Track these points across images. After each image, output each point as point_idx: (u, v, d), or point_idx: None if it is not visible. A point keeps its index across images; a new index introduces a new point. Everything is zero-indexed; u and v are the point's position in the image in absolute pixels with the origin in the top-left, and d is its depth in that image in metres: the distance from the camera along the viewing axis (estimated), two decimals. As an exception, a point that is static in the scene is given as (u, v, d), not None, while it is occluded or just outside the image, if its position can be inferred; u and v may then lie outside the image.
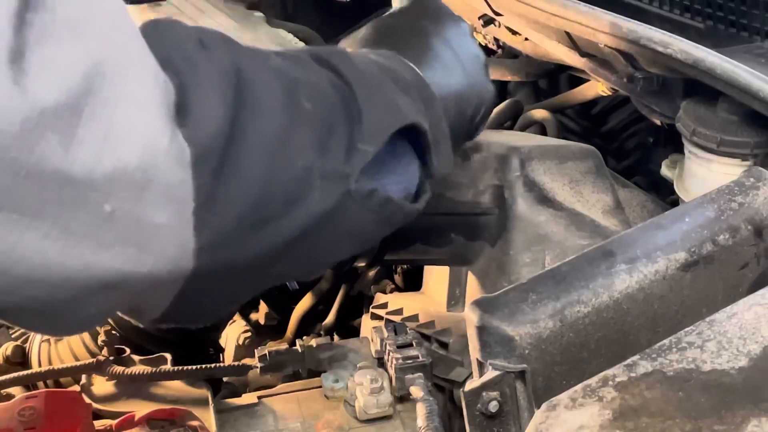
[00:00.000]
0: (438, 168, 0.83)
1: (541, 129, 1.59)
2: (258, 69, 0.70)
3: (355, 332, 1.53)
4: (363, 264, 1.19)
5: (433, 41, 0.94)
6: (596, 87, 1.49)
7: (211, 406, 1.10)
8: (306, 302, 1.66)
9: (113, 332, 1.23)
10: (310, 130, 0.71)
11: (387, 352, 1.12)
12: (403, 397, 1.10)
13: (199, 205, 0.64)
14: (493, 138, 1.21)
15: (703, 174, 1.16)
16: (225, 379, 1.32)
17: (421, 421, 0.99)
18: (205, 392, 1.13)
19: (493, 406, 0.74)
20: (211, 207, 0.65)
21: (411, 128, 0.78)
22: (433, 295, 1.33)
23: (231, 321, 1.56)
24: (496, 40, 1.59)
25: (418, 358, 1.10)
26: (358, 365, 1.14)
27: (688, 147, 1.18)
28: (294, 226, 0.70)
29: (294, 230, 0.70)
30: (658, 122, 1.33)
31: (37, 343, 1.41)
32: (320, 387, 1.14)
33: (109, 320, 1.31)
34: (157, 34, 0.66)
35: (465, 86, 0.95)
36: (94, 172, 0.59)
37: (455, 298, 1.29)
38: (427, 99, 0.83)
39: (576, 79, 1.61)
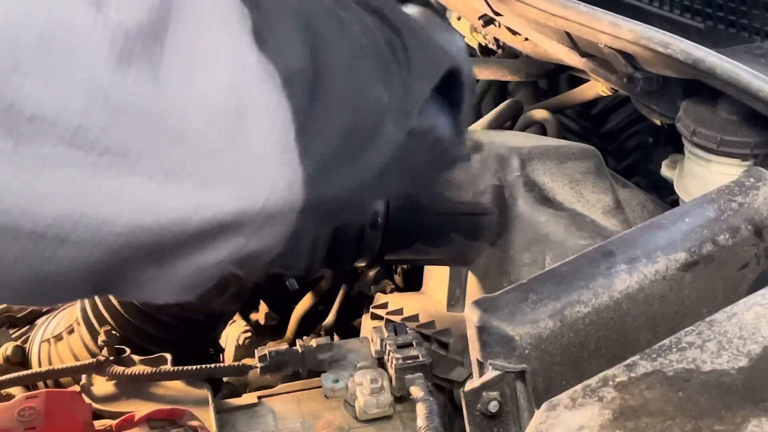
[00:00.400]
0: (465, 121, 0.81)
1: (541, 129, 1.59)
2: (316, 8, 0.68)
3: (355, 332, 1.53)
4: (363, 264, 1.19)
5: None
6: (596, 87, 1.49)
7: (211, 406, 1.10)
8: (306, 302, 1.66)
9: (113, 332, 1.23)
10: (372, 62, 0.69)
11: (387, 352, 1.12)
12: (403, 397, 1.10)
13: (299, 130, 0.61)
14: (493, 138, 1.21)
15: (703, 174, 1.17)
16: (225, 379, 1.33)
17: (421, 421, 0.99)
18: (205, 392, 1.13)
19: (493, 406, 0.74)
20: (311, 132, 0.62)
21: (450, 79, 0.77)
22: (433, 295, 1.33)
23: (231, 321, 1.56)
24: (496, 40, 1.59)
25: (418, 358, 1.10)
26: (358, 365, 1.14)
27: (688, 147, 1.18)
28: (376, 161, 0.68)
29: (377, 166, 0.68)
30: (658, 122, 1.33)
31: (37, 343, 1.41)
32: (320, 387, 1.14)
33: (109, 320, 1.32)
34: None
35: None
36: (188, 101, 0.56)
37: (455, 298, 1.29)
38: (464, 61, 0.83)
39: (576, 79, 1.61)
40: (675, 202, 1.28)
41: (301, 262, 0.74)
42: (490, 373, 0.74)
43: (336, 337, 1.57)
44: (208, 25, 0.58)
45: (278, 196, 0.62)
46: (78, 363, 1.21)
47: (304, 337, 1.47)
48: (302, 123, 0.62)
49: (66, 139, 0.53)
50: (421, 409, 1.01)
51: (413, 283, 1.47)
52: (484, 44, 1.65)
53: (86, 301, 1.35)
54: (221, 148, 0.58)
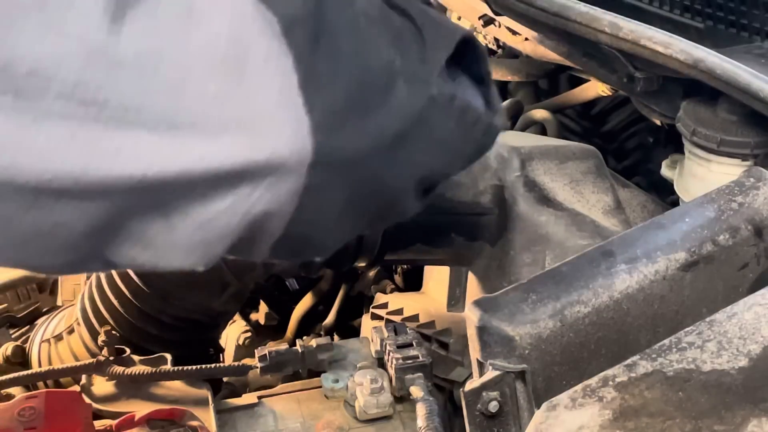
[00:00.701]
0: (494, 100, 0.78)
1: (541, 129, 1.60)
2: None
3: (355, 332, 1.53)
4: (363, 264, 1.19)
5: None
6: (596, 87, 1.49)
7: (211, 406, 1.10)
8: (306, 302, 1.66)
9: (113, 332, 1.23)
10: (383, 29, 0.68)
11: (387, 352, 1.12)
12: (403, 397, 1.10)
13: (302, 79, 0.60)
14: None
15: (703, 174, 1.17)
16: (225, 379, 1.33)
17: (421, 421, 0.99)
18: (205, 392, 1.13)
19: (493, 406, 0.74)
20: (315, 82, 0.61)
21: (468, 54, 0.75)
22: (433, 295, 1.33)
23: (231, 321, 1.56)
24: (496, 40, 1.59)
25: (418, 358, 1.10)
26: (358, 365, 1.14)
27: (688, 147, 1.18)
28: (392, 122, 0.67)
29: (393, 126, 0.67)
30: (658, 122, 1.33)
31: (37, 343, 1.41)
32: (320, 387, 1.14)
33: (109, 320, 1.32)
34: None
35: None
36: (187, 51, 0.56)
37: (455, 298, 1.29)
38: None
39: (576, 79, 1.61)
40: (675, 202, 1.28)
41: (319, 230, 0.71)
42: (490, 373, 0.74)
43: (336, 337, 1.57)
44: None
45: (285, 145, 0.61)
46: (78, 363, 1.21)
47: (304, 337, 1.47)
48: (305, 71, 0.61)
49: (65, 93, 0.53)
50: (421, 409, 1.01)
51: (413, 283, 1.47)
52: (484, 44, 1.65)
53: (86, 301, 1.35)
54: (222, 98, 0.58)
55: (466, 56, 0.75)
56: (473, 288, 1.22)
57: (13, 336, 1.50)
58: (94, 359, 1.17)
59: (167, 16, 0.56)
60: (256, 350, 1.18)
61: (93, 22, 0.53)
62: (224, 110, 0.58)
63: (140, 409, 1.08)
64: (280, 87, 0.60)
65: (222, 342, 1.52)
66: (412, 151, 0.70)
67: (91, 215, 0.57)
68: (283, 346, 1.20)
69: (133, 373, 1.15)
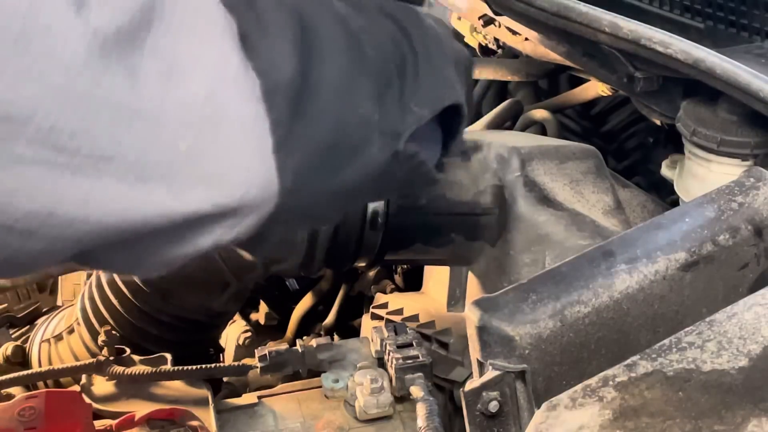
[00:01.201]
0: (454, 151, 0.81)
1: (541, 129, 1.60)
2: (320, 12, 0.68)
3: (355, 332, 1.53)
4: (363, 264, 1.19)
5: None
6: (596, 87, 1.49)
7: (211, 406, 1.10)
8: (306, 302, 1.66)
9: (113, 332, 1.23)
10: (369, 80, 0.69)
11: (387, 352, 1.12)
12: (403, 397, 1.10)
13: (278, 144, 0.62)
14: (493, 138, 1.21)
15: (703, 174, 1.17)
16: (225, 379, 1.33)
17: (421, 421, 0.99)
18: (205, 392, 1.13)
19: (493, 406, 0.74)
20: (290, 147, 0.63)
21: (452, 109, 0.77)
22: (433, 295, 1.33)
23: (231, 321, 1.56)
24: (496, 40, 1.59)
25: (418, 358, 1.10)
26: (358, 365, 1.14)
27: (688, 147, 1.18)
28: (355, 177, 0.69)
29: (354, 182, 0.69)
30: (658, 122, 1.33)
31: (37, 343, 1.41)
32: (320, 387, 1.14)
33: (109, 320, 1.32)
34: None
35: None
36: (163, 107, 0.57)
37: (455, 298, 1.29)
38: (467, 81, 0.82)
39: (576, 79, 1.61)
40: (675, 202, 1.28)
41: (260, 251, 0.76)
42: (490, 373, 0.74)
43: (336, 337, 1.57)
44: (189, 33, 0.59)
45: (249, 205, 0.62)
46: (78, 363, 1.21)
47: (304, 337, 1.48)
48: (282, 136, 0.62)
49: (38, 139, 0.53)
50: (421, 409, 1.01)
51: (413, 283, 1.47)
52: (484, 44, 1.65)
53: (86, 301, 1.35)
54: (195, 155, 0.59)
55: (451, 111, 0.76)
56: (473, 288, 1.22)
57: (13, 336, 1.50)
58: (94, 359, 1.17)
59: (148, 72, 0.56)
60: (256, 350, 1.18)
61: (73, 71, 0.54)
62: (194, 167, 0.59)
63: (140, 409, 1.08)
64: (253, 149, 0.61)
65: (222, 342, 1.52)
66: (365, 195, 0.75)
67: (58, 252, 0.59)
68: (283, 346, 1.20)
69: (133, 373, 1.15)
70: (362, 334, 1.37)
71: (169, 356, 1.19)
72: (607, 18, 1.14)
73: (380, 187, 0.74)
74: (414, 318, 1.26)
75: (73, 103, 0.54)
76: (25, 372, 1.22)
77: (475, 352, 0.76)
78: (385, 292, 1.47)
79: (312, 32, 0.66)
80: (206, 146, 0.59)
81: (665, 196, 1.40)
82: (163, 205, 0.59)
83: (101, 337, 1.20)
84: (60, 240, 0.57)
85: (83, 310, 1.36)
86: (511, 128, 1.61)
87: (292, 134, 0.63)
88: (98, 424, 1.07)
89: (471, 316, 0.76)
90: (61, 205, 0.56)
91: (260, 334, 1.63)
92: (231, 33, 0.61)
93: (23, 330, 1.53)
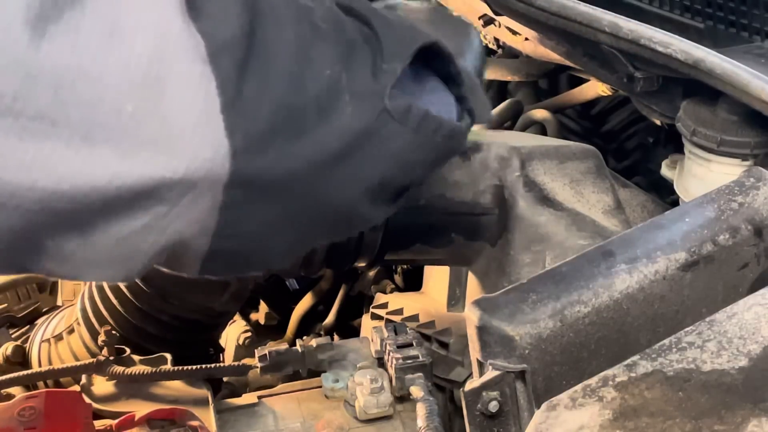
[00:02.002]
0: (475, 105, 0.78)
1: (541, 129, 1.60)
2: None
3: (355, 332, 1.53)
4: (363, 264, 1.19)
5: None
6: (596, 87, 1.49)
7: (211, 406, 1.10)
8: (306, 302, 1.66)
9: (113, 332, 1.23)
10: (329, 45, 0.68)
11: (387, 352, 1.12)
12: (403, 397, 1.10)
13: (226, 103, 0.61)
14: (493, 138, 1.21)
15: (703, 174, 1.17)
16: (225, 379, 1.33)
17: (421, 421, 0.99)
18: (205, 392, 1.13)
19: (493, 406, 0.74)
20: (239, 106, 0.61)
21: (437, 57, 0.75)
22: (433, 295, 1.33)
23: (231, 321, 1.56)
24: (496, 40, 1.59)
25: (418, 358, 1.10)
26: (358, 365, 1.14)
27: (688, 147, 1.18)
28: (330, 140, 0.67)
29: (331, 146, 0.67)
30: (658, 122, 1.33)
31: (37, 343, 1.41)
32: (320, 387, 1.14)
33: (109, 320, 1.32)
34: None
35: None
36: (106, 68, 0.56)
37: (455, 298, 1.29)
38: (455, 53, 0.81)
39: (576, 79, 1.61)
40: (675, 202, 1.28)
41: (249, 247, 0.71)
42: (490, 373, 0.74)
43: (336, 337, 1.57)
44: None
45: (199, 167, 0.61)
46: (78, 363, 1.21)
47: (304, 337, 1.47)
48: (230, 96, 0.61)
49: None
50: (421, 409, 1.01)
51: (413, 283, 1.47)
52: (484, 44, 1.65)
53: (86, 301, 1.35)
54: (140, 117, 0.58)
55: (435, 59, 0.75)
56: (473, 288, 1.22)
57: (13, 336, 1.50)
58: (94, 359, 1.17)
59: (89, 33, 0.56)
60: (256, 350, 1.18)
61: (12, 34, 0.53)
62: (140, 129, 0.58)
63: (140, 409, 1.08)
64: (200, 110, 0.60)
65: (222, 342, 1.52)
66: (359, 165, 0.70)
67: (4, 225, 0.57)
68: (283, 346, 1.20)
69: (133, 373, 1.15)
70: (362, 334, 1.37)
71: (169, 356, 1.19)
72: (607, 18, 1.14)
73: (388, 154, 0.71)
74: (414, 318, 1.26)
75: (13, 66, 0.53)
76: (25, 372, 1.22)
77: (475, 352, 0.76)
78: (385, 292, 1.47)
79: (261, 1, 0.64)
80: (152, 107, 0.58)
81: (665, 196, 1.40)
82: (111, 168, 0.58)
83: (101, 337, 1.20)
84: (8, 210, 0.56)
85: (83, 310, 1.36)
86: (511, 128, 1.61)
87: (242, 93, 0.62)
88: (98, 424, 1.07)
89: (471, 316, 0.76)
90: (7, 170, 0.55)
91: (260, 334, 1.63)
92: None
93: (23, 330, 1.53)
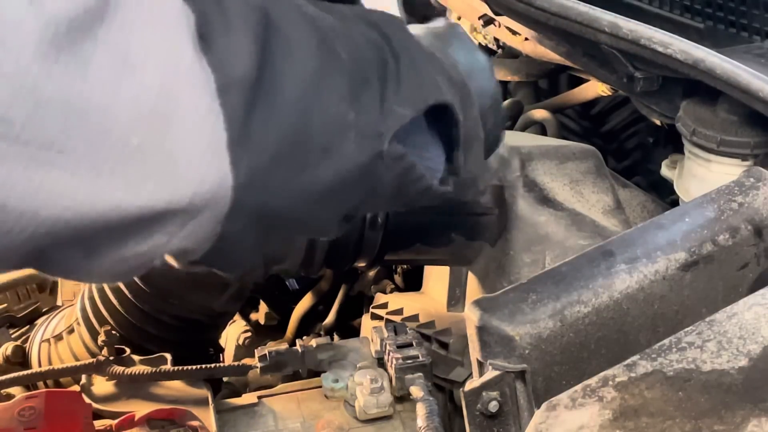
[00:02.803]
0: (466, 166, 0.80)
1: (541, 129, 1.60)
2: (286, 12, 0.68)
3: (355, 332, 1.53)
4: (363, 264, 1.19)
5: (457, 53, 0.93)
6: (596, 87, 1.49)
7: (211, 406, 1.10)
8: (306, 302, 1.66)
9: (113, 332, 1.23)
10: (342, 79, 0.69)
11: (387, 352, 1.12)
12: (403, 397, 1.10)
13: (232, 138, 0.61)
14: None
15: (703, 174, 1.17)
16: (225, 379, 1.33)
17: (421, 421, 0.99)
18: (205, 392, 1.13)
19: (493, 406, 0.74)
20: (245, 142, 0.62)
21: (444, 117, 0.76)
22: (433, 295, 1.33)
23: (231, 321, 1.56)
24: (496, 40, 1.59)
25: (418, 358, 1.10)
26: (358, 365, 1.14)
27: (688, 147, 1.18)
28: (329, 176, 0.68)
29: (329, 181, 0.68)
30: (658, 122, 1.33)
31: (37, 343, 1.41)
32: (320, 387, 1.14)
33: (109, 320, 1.32)
34: None
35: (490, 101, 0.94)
36: (115, 100, 0.56)
37: (455, 298, 1.29)
38: (468, 99, 0.82)
39: (576, 79, 1.61)
40: (675, 202, 1.28)
41: (237, 265, 0.75)
42: (490, 373, 0.74)
43: (336, 337, 1.57)
44: (143, 25, 0.58)
45: (202, 199, 0.62)
46: (78, 363, 1.21)
47: (304, 337, 1.47)
48: (237, 131, 0.62)
49: None
50: (421, 409, 1.01)
51: (413, 283, 1.47)
52: (484, 44, 1.65)
53: (86, 301, 1.35)
54: (146, 149, 0.58)
55: (442, 116, 0.76)
56: (473, 288, 1.22)
57: (13, 336, 1.50)
58: (94, 359, 1.17)
59: (100, 64, 0.56)
60: (256, 350, 1.18)
61: (24, 60, 0.53)
62: (146, 161, 0.59)
63: (140, 409, 1.08)
64: (207, 144, 0.61)
65: (222, 342, 1.52)
66: (345, 197, 0.72)
67: (10, 246, 0.58)
68: (283, 346, 1.20)
69: (133, 373, 1.15)
70: (362, 334, 1.37)
71: (169, 356, 1.19)
72: (607, 18, 1.14)
73: (365, 190, 0.74)
74: (414, 318, 1.26)
75: (24, 94, 0.53)
76: (25, 372, 1.22)
77: (475, 352, 0.76)
78: (385, 292, 1.47)
79: (276, 29, 0.65)
80: (159, 140, 0.59)
81: (665, 196, 1.40)
82: (115, 199, 0.58)
83: (101, 337, 1.20)
84: (12, 235, 0.57)
85: (83, 310, 1.36)
86: (511, 128, 1.61)
87: (249, 129, 0.62)
88: (98, 424, 1.07)
89: (471, 316, 0.76)
90: (13, 197, 0.55)
91: (260, 334, 1.63)
92: (187, 26, 0.60)
93: (23, 330, 1.53)
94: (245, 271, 0.79)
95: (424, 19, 0.99)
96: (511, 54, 1.64)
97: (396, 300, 1.33)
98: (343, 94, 0.68)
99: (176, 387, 1.15)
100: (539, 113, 1.60)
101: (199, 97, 0.60)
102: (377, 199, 0.78)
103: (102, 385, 1.16)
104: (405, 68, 0.73)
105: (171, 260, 0.71)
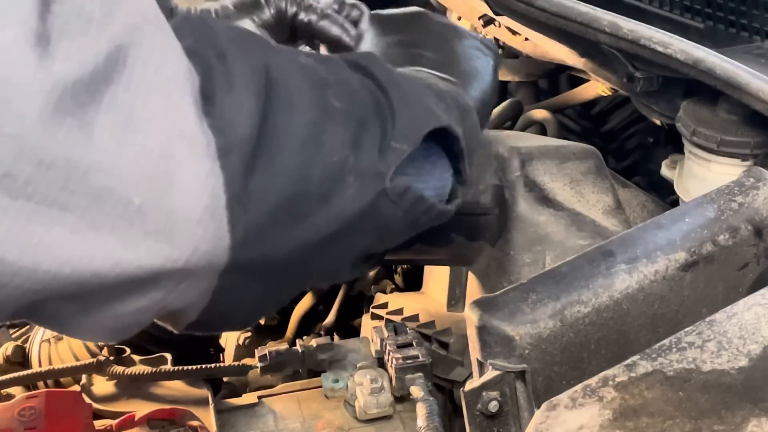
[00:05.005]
0: (471, 175, 0.82)
1: (541, 129, 1.59)
2: (287, 66, 0.69)
3: (355, 332, 1.53)
4: (363, 264, 1.19)
5: (455, 48, 0.93)
6: (596, 87, 1.49)
7: (211, 406, 1.10)
8: (306, 302, 1.66)
9: (113, 332, 1.23)
10: (341, 127, 0.69)
11: (387, 352, 1.12)
12: (403, 397, 1.10)
13: (231, 198, 0.62)
14: (493, 138, 1.21)
15: (703, 174, 1.17)
16: (225, 379, 1.33)
17: (421, 421, 0.99)
18: (205, 392, 1.13)
19: (493, 406, 0.74)
20: (244, 202, 0.63)
21: (444, 133, 0.77)
22: (433, 295, 1.33)
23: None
24: (496, 40, 1.58)
25: (418, 358, 1.10)
26: (358, 365, 1.14)
27: (688, 147, 1.18)
28: (328, 223, 0.69)
29: (329, 227, 0.69)
30: (658, 122, 1.33)
31: (37, 343, 1.41)
32: (320, 387, 1.14)
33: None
34: (187, 25, 0.65)
35: (486, 93, 0.94)
36: (118, 161, 0.58)
37: (455, 298, 1.29)
38: (462, 107, 0.82)
39: (576, 79, 1.61)
40: (675, 202, 1.28)
41: (234, 319, 0.76)
42: (490, 373, 0.74)
43: (336, 337, 1.57)
44: (147, 88, 0.59)
45: (200, 258, 0.63)
46: (78, 363, 1.21)
47: (304, 337, 1.47)
48: (236, 192, 0.63)
49: None
50: (421, 409, 1.01)
51: (413, 283, 1.47)
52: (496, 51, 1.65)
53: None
54: (146, 209, 0.60)
55: (442, 135, 0.76)
56: (473, 288, 1.22)
57: (13, 336, 1.50)
58: (94, 359, 1.17)
59: (103, 128, 0.57)
60: (256, 350, 1.18)
61: (29, 122, 0.54)
62: (146, 221, 0.60)
63: (140, 409, 1.08)
64: (205, 206, 0.62)
65: (222, 342, 1.52)
66: (351, 239, 0.73)
67: (6, 300, 0.59)
68: (283, 346, 1.20)
69: (133, 373, 1.15)
70: (362, 334, 1.37)
71: (169, 356, 1.19)
72: (607, 18, 1.14)
73: (373, 230, 0.74)
74: (414, 318, 1.26)
75: (27, 153, 0.54)
76: (25, 372, 1.22)
77: (475, 352, 0.76)
78: (385, 292, 1.47)
79: (277, 84, 0.66)
80: (159, 201, 0.60)
81: (665, 196, 1.40)
82: (114, 256, 0.59)
83: (101, 337, 1.20)
84: (7, 288, 0.57)
85: (83, 310, 1.35)
86: (511, 128, 1.61)
87: (248, 188, 0.63)
88: (98, 424, 1.07)
89: (471, 316, 0.76)
90: (12, 252, 0.56)
91: (260, 334, 1.63)
92: (191, 89, 0.61)
93: (23, 330, 1.53)
94: (258, 320, 0.79)
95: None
96: (511, 54, 1.64)
97: (396, 300, 1.33)
98: (342, 142, 0.69)
99: (176, 387, 1.15)
100: (539, 113, 1.60)
101: (200, 160, 0.61)
102: (393, 236, 0.79)
103: (102, 385, 1.16)
104: (396, 103, 0.73)
105: (168, 325, 0.72)
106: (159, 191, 0.60)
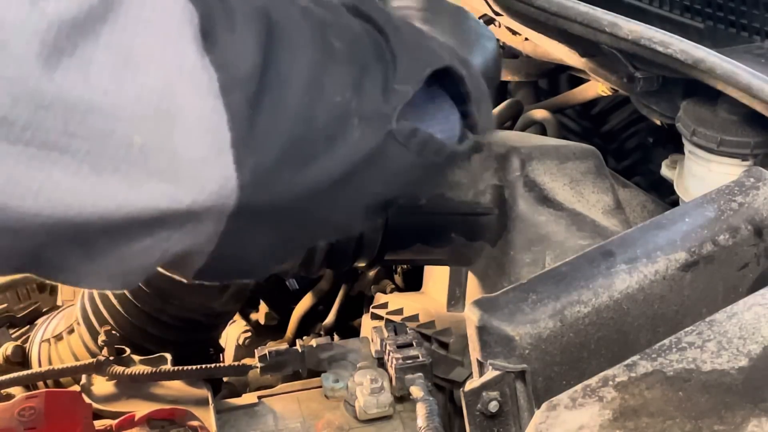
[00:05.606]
0: (480, 120, 0.79)
1: (541, 129, 1.59)
2: (287, 8, 0.67)
3: (355, 332, 1.53)
4: (363, 264, 1.19)
5: (461, 22, 0.93)
6: (596, 87, 1.49)
7: (211, 406, 1.10)
8: (306, 302, 1.66)
9: (113, 332, 1.23)
10: (342, 68, 0.68)
11: (387, 352, 1.12)
12: (403, 397, 1.10)
13: (236, 138, 0.61)
14: (493, 138, 1.21)
15: (703, 174, 1.17)
16: (225, 379, 1.33)
17: (421, 421, 0.99)
18: (205, 392, 1.13)
19: (493, 406, 0.74)
20: (249, 140, 0.62)
21: (448, 77, 0.76)
22: (433, 295, 1.33)
23: (231, 321, 1.56)
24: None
25: (418, 358, 1.10)
26: (358, 365, 1.14)
27: (688, 147, 1.18)
28: (336, 165, 0.68)
29: (337, 170, 0.68)
30: (658, 122, 1.33)
31: (37, 343, 1.41)
32: (320, 387, 1.14)
33: (109, 320, 1.32)
34: None
35: (489, 65, 0.94)
36: (118, 101, 0.57)
37: (455, 298, 1.29)
38: (464, 60, 0.81)
39: (576, 79, 1.61)
40: (675, 202, 1.28)
41: (249, 269, 0.74)
42: (490, 373, 0.74)
43: (336, 337, 1.57)
44: (145, 26, 0.58)
45: (206, 199, 0.62)
46: (78, 363, 1.21)
47: (304, 337, 1.48)
48: (241, 131, 0.62)
49: None
50: (421, 409, 1.01)
51: (413, 283, 1.47)
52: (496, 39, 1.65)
53: (86, 301, 1.35)
54: (149, 149, 0.59)
55: (445, 77, 0.76)
56: (473, 288, 1.22)
57: (13, 336, 1.50)
58: (94, 359, 1.17)
59: (101, 66, 0.56)
60: (256, 350, 1.18)
61: (26, 63, 0.54)
62: (149, 161, 0.59)
63: (140, 409, 1.08)
64: (210, 144, 0.61)
65: (222, 342, 1.52)
66: (361, 185, 0.71)
67: (11, 245, 0.58)
68: (283, 346, 1.20)
69: (133, 373, 1.15)
70: (362, 334, 1.37)
71: (169, 356, 1.19)
72: (607, 18, 1.14)
73: (384, 175, 0.72)
74: (414, 318, 1.26)
75: (25, 96, 0.54)
76: (25, 372, 1.22)
77: (475, 352, 0.76)
78: (385, 292, 1.47)
79: (278, 27, 0.65)
80: (162, 140, 0.59)
81: (665, 196, 1.40)
82: (118, 198, 0.58)
83: (101, 337, 1.20)
84: (12, 234, 0.57)
85: (83, 309, 1.36)
86: (511, 128, 1.61)
87: (254, 127, 0.62)
88: (98, 424, 1.07)
89: (471, 316, 0.76)
90: (14, 197, 0.56)
91: (260, 334, 1.63)
92: (191, 26, 0.60)
93: (23, 330, 1.53)
94: (261, 276, 0.78)
95: None
96: (511, 54, 1.64)
97: (396, 300, 1.33)
98: (345, 83, 0.68)
99: (176, 387, 1.15)
100: (539, 113, 1.60)
101: (203, 97, 0.60)
102: (406, 182, 0.77)
103: (102, 385, 1.16)
104: (397, 47, 0.72)
105: (177, 273, 0.71)
106: (161, 130, 0.59)
